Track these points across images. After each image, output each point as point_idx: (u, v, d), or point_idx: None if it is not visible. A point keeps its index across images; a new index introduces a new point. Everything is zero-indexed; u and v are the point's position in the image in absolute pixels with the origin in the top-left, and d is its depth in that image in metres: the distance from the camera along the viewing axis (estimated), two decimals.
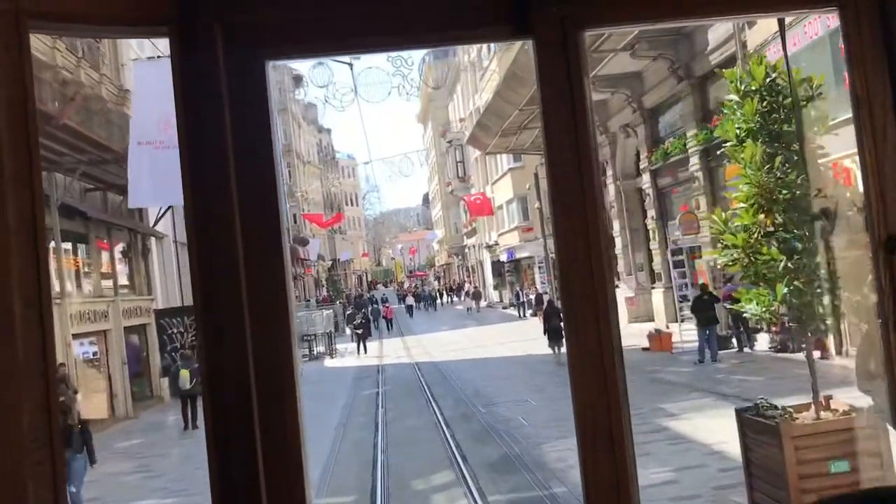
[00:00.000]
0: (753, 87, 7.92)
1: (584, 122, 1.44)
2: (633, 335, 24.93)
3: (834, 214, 8.72)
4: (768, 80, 7.95)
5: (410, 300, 52.47)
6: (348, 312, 43.36)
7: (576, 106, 1.44)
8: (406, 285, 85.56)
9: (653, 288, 25.35)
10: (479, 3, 1.46)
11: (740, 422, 7.71)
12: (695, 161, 21.74)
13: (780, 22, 6.59)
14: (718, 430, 10.85)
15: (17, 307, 1.14)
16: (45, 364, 1.17)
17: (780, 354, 17.38)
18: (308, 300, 50.08)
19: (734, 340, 18.48)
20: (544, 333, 22.49)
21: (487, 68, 43.43)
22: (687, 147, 22.05)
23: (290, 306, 1.47)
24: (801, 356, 17.50)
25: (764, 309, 7.83)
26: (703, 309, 17.77)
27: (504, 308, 46.51)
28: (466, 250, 61.62)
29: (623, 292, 27.49)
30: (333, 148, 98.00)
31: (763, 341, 18.37)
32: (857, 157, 1.59)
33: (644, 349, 20.89)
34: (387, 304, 45.07)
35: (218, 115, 1.37)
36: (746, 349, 18.35)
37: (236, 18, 1.40)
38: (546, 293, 37.23)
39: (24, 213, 1.17)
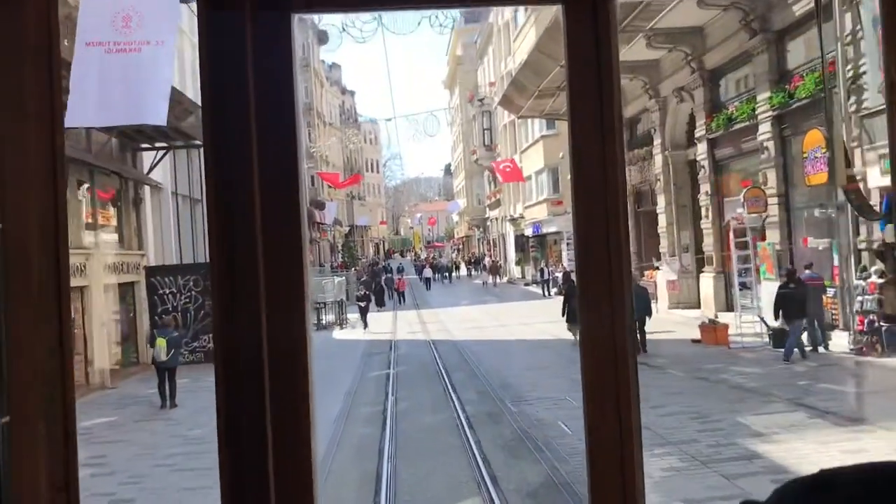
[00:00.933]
0: None
1: (611, 94, 1.39)
2: (674, 322, 22.16)
3: None
4: None
5: (428, 272, 49.09)
6: (363, 279, 40.84)
7: (602, 80, 1.38)
8: (424, 256, 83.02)
9: (701, 272, 22.48)
10: None
11: None
12: (765, 129, 18.75)
13: None
14: (825, 460, 8.06)
15: (34, 249, 1.13)
16: (59, 304, 1.15)
17: (863, 358, 14.58)
18: (322, 265, 47.67)
19: (806, 338, 15.61)
20: (563, 315, 19.79)
21: (522, 29, 40.29)
22: (756, 112, 19.05)
23: (304, 265, 1.40)
24: (891, 361, 14.75)
25: None
26: (793, 301, 14.92)
27: (526, 285, 43.77)
28: (488, 223, 58.75)
29: (664, 275, 24.66)
30: (356, 111, 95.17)
31: (840, 340, 15.54)
32: None
33: (694, 341, 18.12)
34: (400, 276, 41.56)
35: (241, 67, 1.32)
36: (821, 349, 15.51)
37: None
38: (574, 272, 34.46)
39: (45, 154, 1.16)
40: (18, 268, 1.12)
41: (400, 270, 58.79)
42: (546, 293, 36.64)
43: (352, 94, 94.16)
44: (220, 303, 1.33)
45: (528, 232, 43.57)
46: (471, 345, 21.05)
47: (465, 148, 63.42)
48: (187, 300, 20.37)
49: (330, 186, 55.55)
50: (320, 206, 54.77)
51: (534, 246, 43.22)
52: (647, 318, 18.38)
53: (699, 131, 22.26)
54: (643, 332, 18.18)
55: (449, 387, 14.68)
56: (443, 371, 16.72)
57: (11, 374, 1.10)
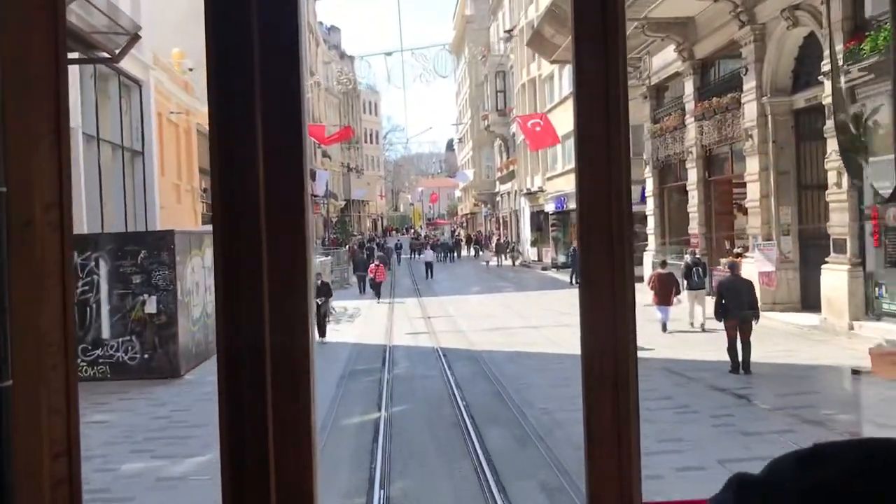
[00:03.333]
0: None
1: (616, 69, 1.30)
2: (776, 332, 15.58)
3: None
4: None
5: (430, 255, 38.93)
6: (358, 257, 34.17)
7: (608, 54, 1.30)
8: (424, 234, 76.15)
9: (825, 263, 15.73)
10: None
11: None
12: None
13: None
14: None
15: (38, 215, 1.12)
16: (62, 270, 1.15)
17: None
18: (314, 243, 41.05)
19: None
20: (717, 317, 13.34)
21: None
22: None
23: (308, 240, 1.30)
24: None
25: None
26: None
27: (544, 269, 37.01)
28: (498, 198, 51.86)
29: (757, 264, 17.86)
30: (356, 78, 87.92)
31: None
32: None
33: (856, 372, 11.46)
34: (377, 262, 29.37)
35: (247, 27, 1.26)
36: None
37: None
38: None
39: (49, 118, 1.14)
40: (22, 233, 1.12)
41: (398, 248, 52.25)
42: (573, 281, 29.90)
43: (351, 59, 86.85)
44: (225, 282, 1.27)
45: (550, 208, 36.71)
46: (500, 359, 14.35)
47: (473, 115, 56.38)
48: (86, 288, 13.63)
49: (321, 149, 48.49)
50: (311, 175, 47.93)
51: (555, 224, 36.37)
52: (752, 321, 11.96)
53: (826, 65, 15.36)
54: (747, 344, 11.72)
55: (484, 467, 7.95)
56: (467, 419, 9.98)
57: (14, 339, 1.08)
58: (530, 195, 40.42)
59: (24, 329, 1.11)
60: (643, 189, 29.90)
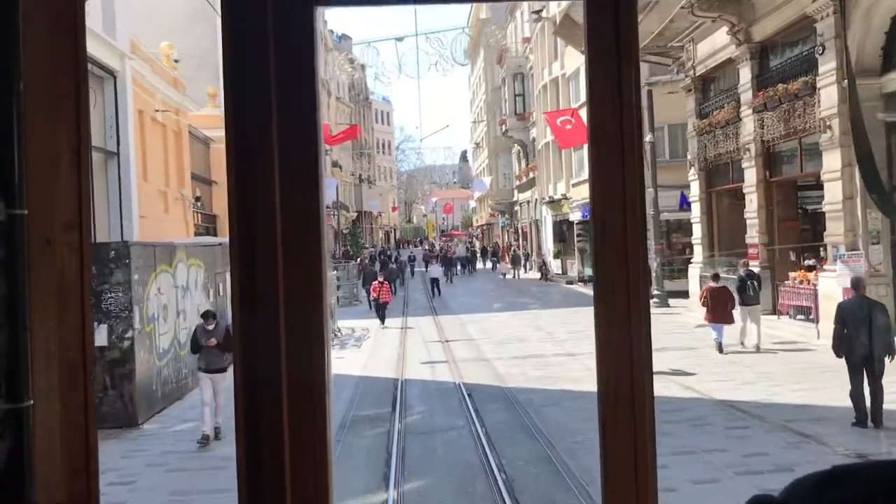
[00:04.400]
0: None
1: (630, 88, 1.29)
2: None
3: None
4: None
5: (437, 270, 33.81)
6: (367, 271, 31.35)
7: (622, 74, 1.28)
8: (436, 247, 73.16)
9: None
10: None
11: None
12: None
13: None
14: None
15: (57, 235, 1.13)
16: (81, 291, 1.14)
17: None
18: None
19: None
20: (836, 351, 10.45)
21: None
22: None
23: (322, 256, 1.31)
24: None
25: None
26: None
27: (569, 283, 33.96)
28: (516, 208, 48.82)
29: (840, 279, 14.77)
30: (367, 87, 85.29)
31: None
32: None
33: None
34: (381, 278, 24.05)
35: (263, 59, 1.28)
36: None
37: None
38: (652, 267, 24.61)
39: (69, 139, 1.14)
40: (42, 253, 1.12)
41: (411, 260, 49.51)
42: None
43: (362, 68, 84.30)
44: (241, 293, 1.27)
45: (575, 216, 33.68)
46: (539, 401, 11.30)
47: (489, 122, 53.48)
48: None
49: (329, 154, 45.65)
50: None
51: (581, 234, 33.30)
52: (885, 358, 8.94)
53: None
54: (878, 388, 8.76)
55: None
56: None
57: (35, 358, 1.07)
58: (553, 203, 37.39)
59: (45, 348, 1.11)
60: (682, 195, 26.83)
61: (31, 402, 1.06)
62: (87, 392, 1.15)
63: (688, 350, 15.70)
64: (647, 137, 24.28)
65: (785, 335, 16.49)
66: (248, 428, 1.24)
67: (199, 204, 26.36)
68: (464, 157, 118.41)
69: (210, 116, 29.15)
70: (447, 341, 18.75)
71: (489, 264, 49.57)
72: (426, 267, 41.33)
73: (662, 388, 12.28)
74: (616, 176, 1.28)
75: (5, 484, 1.03)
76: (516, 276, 40.64)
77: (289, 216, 1.27)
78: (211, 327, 9.81)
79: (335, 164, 58.89)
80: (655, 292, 23.55)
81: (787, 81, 16.91)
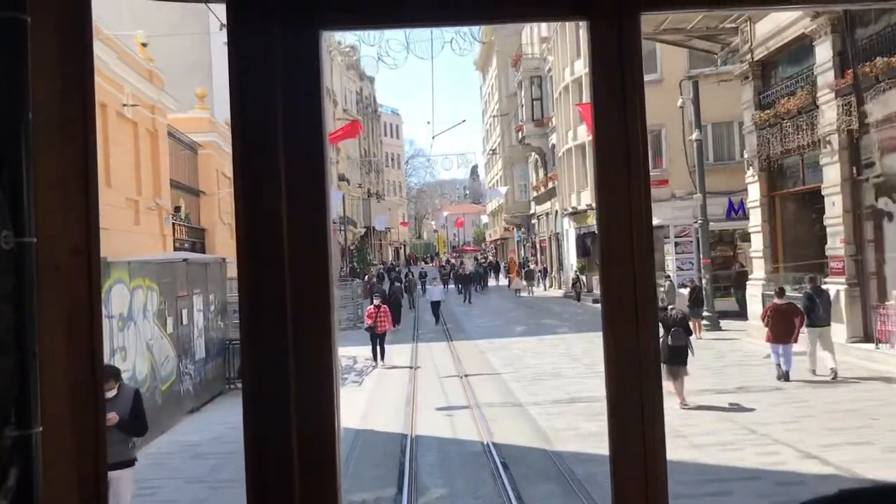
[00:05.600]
0: None
1: (634, 110, 1.31)
2: None
3: None
4: None
5: (437, 292, 28.78)
6: (376, 289, 28.11)
7: (627, 95, 1.31)
8: (450, 261, 69.81)
9: None
10: None
11: None
12: None
13: None
14: None
15: (65, 261, 1.11)
16: (91, 317, 1.12)
17: None
18: None
19: None
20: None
21: None
22: None
23: (330, 279, 1.30)
24: None
25: None
26: None
27: (596, 302, 30.46)
28: (534, 221, 45.43)
29: None
30: (375, 100, 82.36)
31: None
32: None
33: None
34: (378, 304, 18.69)
35: (270, 83, 1.29)
36: None
37: None
38: (692, 282, 21.22)
39: (77, 164, 1.14)
40: (51, 281, 1.09)
41: (422, 277, 46.37)
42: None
43: (371, 80, 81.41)
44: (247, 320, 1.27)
45: None
46: (604, 476, 7.96)
47: (503, 131, 50.22)
48: None
49: (334, 161, 42.55)
50: None
51: None
52: None
53: None
54: None
55: None
56: None
57: (44, 385, 1.04)
58: (576, 215, 34.02)
59: (54, 375, 1.09)
60: (729, 202, 23.42)
61: (41, 428, 1.04)
62: (97, 418, 1.15)
63: (755, 382, 12.54)
64: (694, 134, 20.92)
65: (882, 367, 13.18)
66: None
67: (180, 216, 23.16)
68: (474, 172, 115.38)
69: (198, 119, 26.04)
70: (466, 376, 15.37)
71: (503, 280, 46.34)
72: (423, 288, 36.70)
73: (721, 428, 9.06)
74: (622, 190, 1.28)
75: None
76: (531, 293, 38.07)
77: (295, 239, 1.28)
78: (111, 394, 6.19)
79: (342, 178, 55.85)
80: (706, 314, 20.12)
81: (887, 54, 13.56)
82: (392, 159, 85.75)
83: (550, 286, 39.68)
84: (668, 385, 11.00)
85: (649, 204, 1.28)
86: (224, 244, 26.89)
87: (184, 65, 29.95)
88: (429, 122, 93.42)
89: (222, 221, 26.48)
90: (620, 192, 1.28)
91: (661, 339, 11.24)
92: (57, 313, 1.10)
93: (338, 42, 64.03)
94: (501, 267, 54.64)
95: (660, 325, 13.70)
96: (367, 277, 41.65)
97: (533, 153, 42.68)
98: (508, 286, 43.19)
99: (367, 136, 76.88)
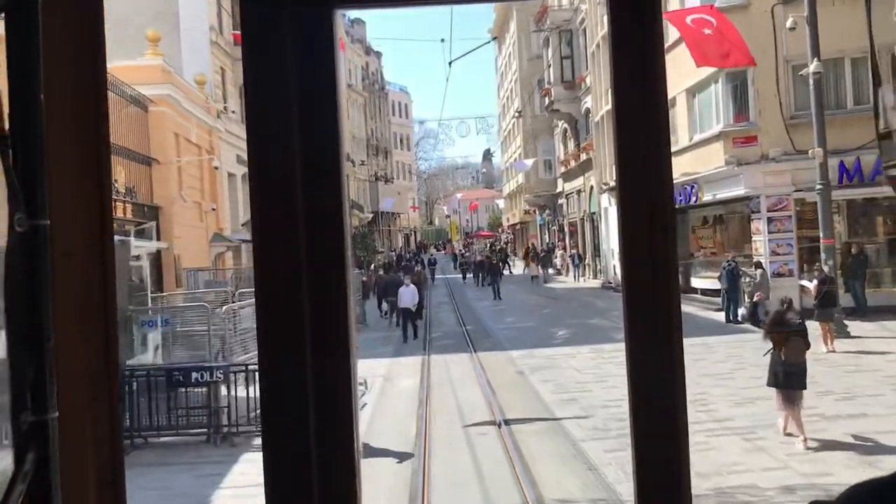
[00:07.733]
0: None
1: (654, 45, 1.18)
2: None
3: None
4: None
5: (408, 296, 19.68)
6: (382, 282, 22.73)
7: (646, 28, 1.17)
8: (463, 245, 64.16)
9: None
10: None
11: None
12: None
13: None
14: None
15: (79, 245, 1.10)
16: (105, 302, 1.11)
17: None
18: None
19: None
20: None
21: None
22: None
23: (347, 265, 1.26)
24: None
25: None
26: None
27: None
28: (561, 200, 39.60)
29: None
30: (383, 76, 76.48)
31: None
32: None
33: None
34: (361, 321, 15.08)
35: (283, 63, 1.25)
36: None
37: None
38: (819, 271, 15.39)
39: (90, 145, 1.12)
40: (64, 266, 1.09)
41: (431, 264, 40.85)
42: (733, 316, 17.65)
43: (378, 55, 75.50)
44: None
45: None
46: None
47: (523, 100, 44.34)
48: None
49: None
50: None
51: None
52: None
53: None
54: None
55: None
56: None
57: (60, 371, 1.03)
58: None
59: (70, 361, 1.08)
60: (841, 164, 17.58)
61: (57, 413, 1.04)
62: (113, 404, 1.15)
63: None
64: (812, 65, 15.05)
65: None
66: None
67: (123, 192, 17.61)
68: (487, 155, 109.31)
69: (149, 68, 20.37)
70: (506, 423, 9.70)
71: (517, 269, 40.83)
72: (463, 274, 33.02)
73: None
74: (643, 185, 1.20)
75: (33, 497, 1.00)
76: (546, 280, 34.22)
77: (312, 241, 1.27)
78: None
79: (347, 159, 50.32)
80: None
81: None
82: (401, 140, 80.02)
83: (583, 275, 33.92)
84: (782, 417, 8.64)
85: (670, 181, 1.20)
86: (187, 227, 21.33)
87: (146, 14, 24.53)
88: (443, 40, 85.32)
89: (183, 198, 20.88)
90: (640, 134, 1.19)
91: (770, 353, 8.73)
92: (71, 299, 1.10)
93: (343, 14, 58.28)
94: (510, 255, 49.36)
95: (764, 334, 9.31)
96: (372, 267, 36.04)
97: (561, 122, 36.79)
98: (525, 270, 37.39)
99: (373, 116, 71.24)
